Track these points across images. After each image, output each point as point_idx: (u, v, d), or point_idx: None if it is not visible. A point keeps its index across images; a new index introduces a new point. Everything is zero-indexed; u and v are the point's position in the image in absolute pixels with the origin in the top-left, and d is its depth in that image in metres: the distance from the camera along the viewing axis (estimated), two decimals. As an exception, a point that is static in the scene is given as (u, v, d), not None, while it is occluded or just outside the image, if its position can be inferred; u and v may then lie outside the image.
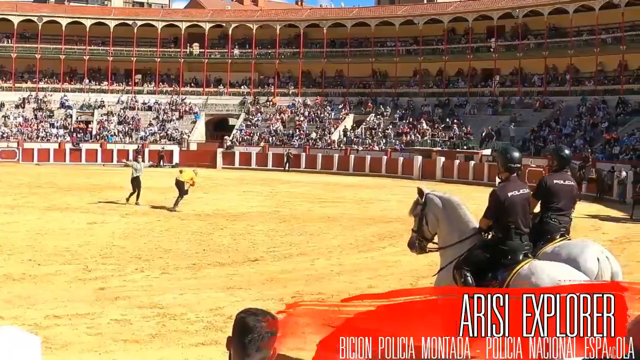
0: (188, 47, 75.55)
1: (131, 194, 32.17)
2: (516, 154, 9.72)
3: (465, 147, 58.58)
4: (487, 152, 55.68)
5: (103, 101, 71.97)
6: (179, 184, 31.61)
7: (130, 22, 72.84)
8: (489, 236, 9.72)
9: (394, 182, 50.23)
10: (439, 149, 59.02)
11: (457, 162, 54.55)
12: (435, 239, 10.41)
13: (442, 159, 55.64)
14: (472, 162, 53.61)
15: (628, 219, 31.55)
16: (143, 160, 35.39)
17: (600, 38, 60.14)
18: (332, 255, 20.34)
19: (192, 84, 75.93)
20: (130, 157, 55.26)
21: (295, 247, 21.54)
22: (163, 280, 16.33)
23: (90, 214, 28.26)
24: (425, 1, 79.81)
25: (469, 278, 9.25)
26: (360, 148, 62.97)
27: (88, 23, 71.78)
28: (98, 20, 72.50)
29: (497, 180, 10.03)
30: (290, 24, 74.36)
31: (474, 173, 52.24)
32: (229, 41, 74.54)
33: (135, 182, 32.06)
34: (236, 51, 75.34)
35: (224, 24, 74.88)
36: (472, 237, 9.75)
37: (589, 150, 47.69)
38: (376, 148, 62.83)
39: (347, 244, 22.52)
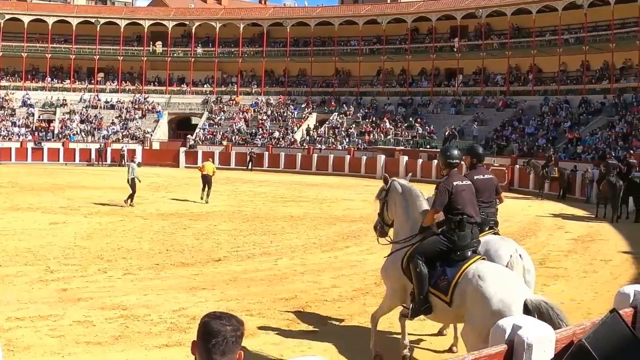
0: (151, 46, 75.42)
1: (131, 195, 32.07)
2: (455, 152, 10.26)
3: (428, 146, 58.81)
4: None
5: (65, 100, 71.65)
6: (208, 178, 34.84)
7: (93, 20, 72.56)
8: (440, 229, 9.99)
9: (357, 181, 50.38)
10: (402, 148, 59.24)
11: (420, 161, 54.74)
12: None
13: (405, 158, 55.83)
14: (435, 162, 53.76)
15: (592, 217, 31.79)
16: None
17: (562, 38, 60.72)
18: (296, 255, 20.34)
19: (155, 83, 75.78)
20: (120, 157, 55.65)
21: (259, 247, 21.52)
22: (126, 281, 16.24)
23: (52, 214, 28.07)
24: (388, 1, 79.94)
25: (422, 268, 9.56)
26: (323, 147, 63.09)
27: (50, 21, 71.44)
28: (60, 18, 72.15)
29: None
30: (253, 23, 74.49)
31: (437, 172, 52.39)
32: (192, 40, 74.49)
33: (132, 183, 31.97)
34: (199, 50, 75.27)
35: (187, 23, 74.83)
36: (424, 229, 10.15)
37: (552, 149, 47.97)
38: (339, 147, 62.98)
39: (311, 244, 22.52)
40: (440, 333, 12.17)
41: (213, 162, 38.50)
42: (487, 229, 10.98)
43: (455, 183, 9.85)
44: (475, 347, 7.94)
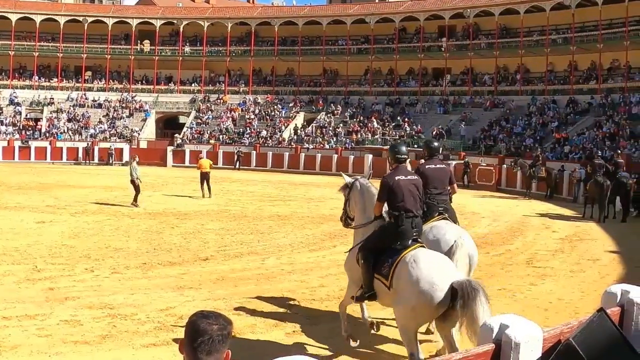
0: (139, 44, 75.26)
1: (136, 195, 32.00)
2: (403, 148, 10.95)
3: (415, 146, 58.73)
4: (437, 151, 55.86)
5: (52, 98, 71.53)
6: (207, 175, 36.60)
7: (80, 19, 72.44)
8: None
9: (345, 181, 50.29)
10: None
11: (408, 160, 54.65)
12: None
13: (394, 157, 55.79)
14: (422, 161, 53.64)
15: (580, 217, 31.85)
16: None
17: (550, 38, 60.90)
18: (283, 254, 20.33)
19: (143, 82, 75.69)
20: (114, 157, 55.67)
21: (246, 246, 21.50)
22: (113, 280, 16.20)
23: (39, 213, 27.99)
24: (376, 0, 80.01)
25: (368, 259, 10.32)
26: (311, 146, 63.12)
27: (38, 19, 71.30)
28: (48, 16, 71.95)
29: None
30: (241, 22, 74.46)
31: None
32: (180, 38, 74.38)
33: (134, 184, 31.88)
34: (187, 48, 75.22)
35: (175, 21, 74.78)
36: (375, 222, 10.79)
37: (539, 149, 48.07)
38: (327, 146, 63.02)
39: (298, 243, 22.51)
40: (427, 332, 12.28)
41: (195, 160, 39.37)
42: (436, 214, 11.90)
43: (397, 178, 10.36)
44: (404, 324, 9.62)
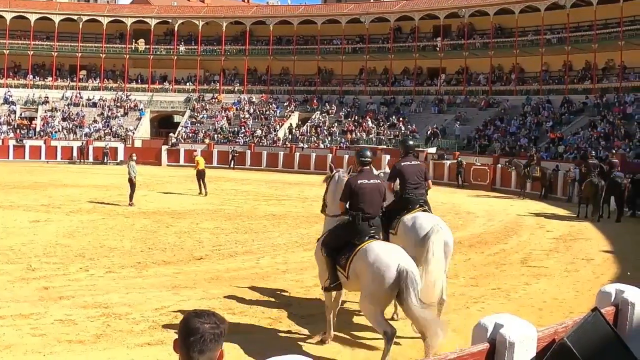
0: (134, 43, 75.19)
1: (131, 194, 31.99)
2: (367, 153, 11.87)
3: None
4: (432, 150, 56.02)
5: (47, 97, 71.46)
6: (202, 173, 37.73)
7: (75, 17, 72.37)
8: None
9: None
10: (384, 147, 59.19)
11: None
12: None
13: (388, 156, 55.67)
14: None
15: (574, 217, 31.87)
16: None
17: (545, 38, 60.94)
18: (278, 253, 20.33)
19: (138, 81, 75.57)
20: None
21: (241, 246, 21.50)
22: (108, 279, 16.19)
23: (33, 212, 27.97)
24: (371, 0, 79.95)
25: (329, 253, 11.40)
26: (306, 146, 63.07)
27: (33, 17, 71.20)
28: (43, 15, 71.85)
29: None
30: (236, 21, 74.46)
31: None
32: (174, 38, 74.33)
33: (131, 182, 31.87)
34: (182, 48, 75.18)
35: (170, 20, 74.71)
36: (340, 217, 11.66)
37: (534, 149, 48.11)
38: (321, 146, 62.96)
39: (293, 242, 22.53)
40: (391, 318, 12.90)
41: (190, 159, 40.08)
42: (417, 206, 13.05)
43: (359, 182, 11.32)
44: (368, 310, 10.61)
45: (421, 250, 11.89)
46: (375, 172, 13.09)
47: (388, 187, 12.84)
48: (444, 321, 11.20)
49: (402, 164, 13.38)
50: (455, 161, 50.91)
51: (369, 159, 11.75)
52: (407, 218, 12.78)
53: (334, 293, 11.87)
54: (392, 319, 13.00)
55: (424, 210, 13.07)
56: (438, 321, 10.62)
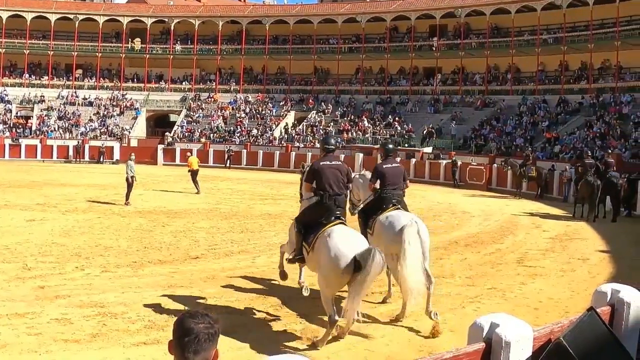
0: (130, 42, 75.15)
1: (127, 193, 32.07)
2: (332, 140, 13.39)
3: (406, 145, 58.88)
4: (428, 150, 56.08)
5: (43, 96, 71.41)
6: (196, 172, 38.85)
7: (71, 16, 72.33)
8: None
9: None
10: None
11: (397, 159, 54.58)
12: None
13: (361, 155, 55.88)
14: (413, 160, 53.83)
15: (570, 217, 31.88)
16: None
17: (541, 38, 61.00)
18: (274, 252, 20.25)
19: (134, 80, 75.54)
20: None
21: (237, 245, 21.50)
22: (104, 279, 16.18)
23: (29, 211, 27.94)
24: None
25: (298, 230, 12.66)
26: (302, 145, 63.03)
27: (29, 16, 71.16)
28: (39, 14, 71.81)
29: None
30: (232, 21, 74.45)
31: (415, 171, 52.44)
32: (170, 37, 74.30)
33: (128, 182, 31.86)
34: (178, 47, 75.16)
35: (166, 20, 74.65)
36: (311, 199, 12.86)
37: (530, 148, 48.14)
38: (317, 145, 62.82)
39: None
40: (384, 301, 14.65)
41: (185, 158, 40.91)
42: (391, 206, 13.87)
43: (322, 163, 12.59)
44: (322, 290, 11.80)
45: (397, 245, 12.55)
46: (355, 174, 15.35)
47: (369, 186, 14.47)
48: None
49: (384, 166, 14.30)
50: (449, 161, 50.97)
51: (332, 146, 13.10)
52: (382, 217, 13.68)
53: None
54: (384, 301, 14.62)
55: (397, 209, 13.88)
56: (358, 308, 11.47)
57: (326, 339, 11.51)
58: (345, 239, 11.60)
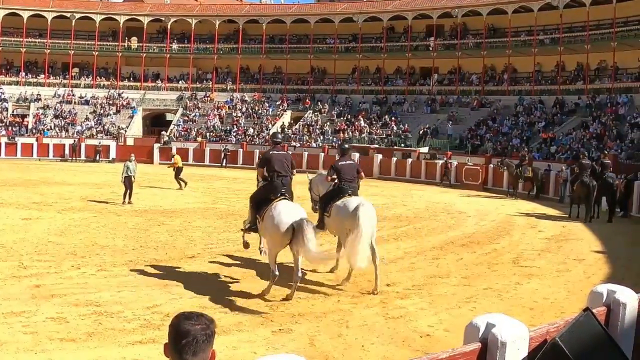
0: (126, 41, 75.16)
1: (125, 193, 31.88)
2: (279, 135, 17.61)
3: (402, 145, 58.94)
4: (425, 149, 56.08)
5: (39, 94, 71.41)
6: (180, 170, 40.05)
7: (68, 15, 72.31)
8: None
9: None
10: (377, 146, 59.29)
11: (394, 159, 54.72)
12: None
13: (380, 156, 55.84)
14: (409, 160, 53.88)
15: (566, 217, 31.91)
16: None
17: (538, 39, 61.06)
18: (270, 252, 20.31)
19: (130, 79, 75.55)
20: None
21: (233, 244, 21.45)
22: (99, 278, 16.16)
23: (25, 210, 27.91)
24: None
25: (253, 205, 16.21)
26: (298, 144, 63.00)
27: (25, 15, 71.09)
28: (36, 12, 71.74)
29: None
30: (229, 20, 74.52)
31: (411, 170, 52.51)
32: (167, 36, 74.30)
33: (128, 181, 31.68)
34: (175, 46, 75.18)
35: (163, 18, 74.69)
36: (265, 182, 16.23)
37: (525, 149, 48.19)
38: (314, 145, 62.95)
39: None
40: (332, 271, 17.79)
41: (182, 158, 41.99)
42: (346, 195, 16.70)
43: (271, 152, 16.08)
44: (269, 249, 15.30)
45: (352, 221, 15.48)
46: (310, 176, 21.15)
47: (325, 178, 18.00)
48: (332, 255, 17.02)
49: (340, 162, 17.34)
50: (442, 160, 51.11)
51: (279, 140, 17.16)
52: (338, 202, 16.64)
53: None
54: (332, 271, 17.81)
55: (350, 195, 16.80)
56: (326, 257, 16.10)
57: (269, 290, 14.98)
58: (286, 210, 14.86)
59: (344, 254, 15.95)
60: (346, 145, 19.39)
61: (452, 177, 49.17)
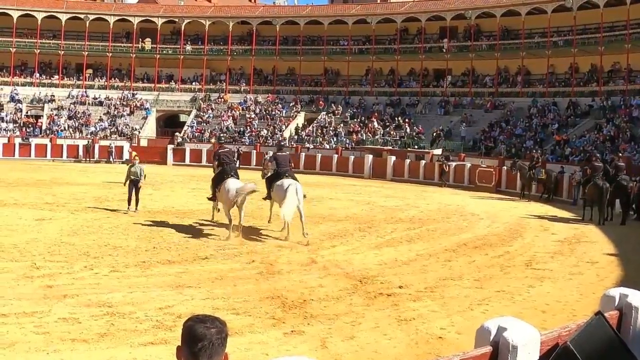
0: (140, 42, 75.24)
1: (129, 199, 29.38)
2: (223, 140, 33.10)
3: (416, 147, 58.86)
4: (438, 151, 56.00)
5: (53, 95, 71.50)
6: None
7: (82, 16, 72.42)
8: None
9: (345, 181, 50.32)
10: (390, 148, 59.23)
11: (407, 161, 54.64)
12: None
13: (393, 158, 55.75)
14: (422, 162, 53.80)
15: (579, 220, 31.82)
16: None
17: (551, 40, 60.92)
18: (282, 254, 20.30)
19: (144, 80, 75.63)
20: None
21: (245, 246, 21.47)
22: (112, 278, 16.19)
23: (38, 210, 27.96)
24: (378, 1, 79.84)
25: (212, 183, 24.57)
26: (311, 146, 63.03)
27: (40, 16, 71.30)
28: (50, 13, 71.94)
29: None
30: (243, 21, 74.55)
31: (424, 172, 52.44)
32: (181, 37, 74.39)
33: (134, 187, 29.16)
34: (188, 47, 75.22)
35: (177, 20, 74.74)
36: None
37: (539, 151, 48.08)
38: (327, 146, 62.93)
39: (296, 243, 22.49)
40: (286, 239, 23.03)
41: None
42: (283, 177, 23.95)
43: (220, 151, 24.90)
44: (223, 209, 23.79)
45: (284, 194, 23.00)
46: (267, 157, 31.27)
47: (266, 164, 27.51)
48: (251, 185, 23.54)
49: (278, 154, 25.38)
50: (442, 161, 51.16)
51: (224, 142, 27.36)
52: (278, 182, 23.95)
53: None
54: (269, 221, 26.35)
55: (287, 178, 23.92)
56: (251, 187, 23.40)
57: (229, 233, 22.72)
58: (233, 184, 23.16)
59: (281, 212, 23.09)
60: (283, 143, 36.18)
61: (466, 179, 49.06)
